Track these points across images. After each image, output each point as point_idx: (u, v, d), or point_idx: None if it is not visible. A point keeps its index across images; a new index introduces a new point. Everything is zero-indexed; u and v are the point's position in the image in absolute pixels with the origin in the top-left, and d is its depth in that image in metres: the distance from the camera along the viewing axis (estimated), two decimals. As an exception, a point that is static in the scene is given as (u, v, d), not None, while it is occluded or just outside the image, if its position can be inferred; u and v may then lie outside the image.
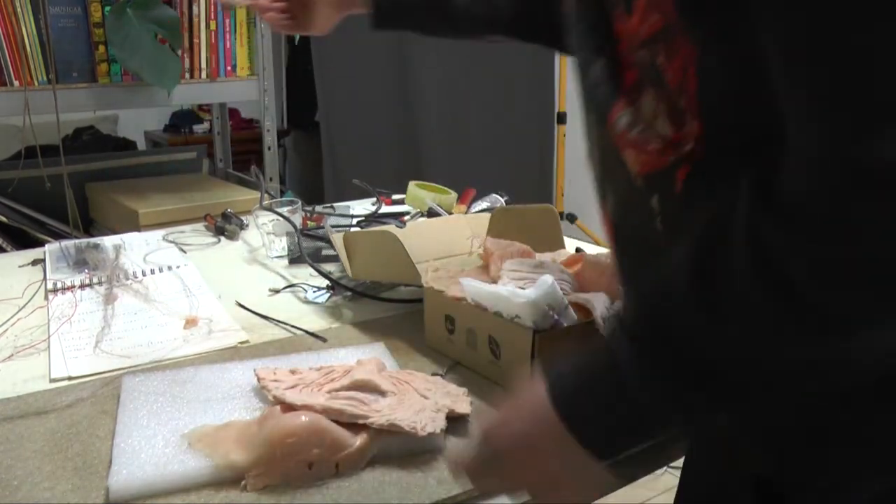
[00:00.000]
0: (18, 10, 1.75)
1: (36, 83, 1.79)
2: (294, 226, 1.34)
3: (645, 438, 0.55)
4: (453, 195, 1.63)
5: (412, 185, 1.66)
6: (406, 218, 1.55)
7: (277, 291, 1.22)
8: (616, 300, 0.89)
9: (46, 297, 1.18)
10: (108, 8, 1.85)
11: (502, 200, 1.59)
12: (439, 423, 0.75)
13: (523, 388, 0.58)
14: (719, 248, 0.47)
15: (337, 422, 0.73)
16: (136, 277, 1.25)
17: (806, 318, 0.45)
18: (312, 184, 3.43)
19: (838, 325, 0.45)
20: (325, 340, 1.02)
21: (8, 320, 1.09)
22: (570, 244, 1.33)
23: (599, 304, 0.87)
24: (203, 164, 2.36)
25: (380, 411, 0.75)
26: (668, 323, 0.50)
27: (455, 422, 0.79)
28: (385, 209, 1.70)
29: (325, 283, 1.20)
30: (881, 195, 0.39)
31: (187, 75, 2.02)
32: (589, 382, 0.54)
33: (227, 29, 2.06)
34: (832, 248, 0.42)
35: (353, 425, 0.73)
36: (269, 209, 1.38)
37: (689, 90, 0.51)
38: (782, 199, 0.43)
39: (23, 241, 1.84)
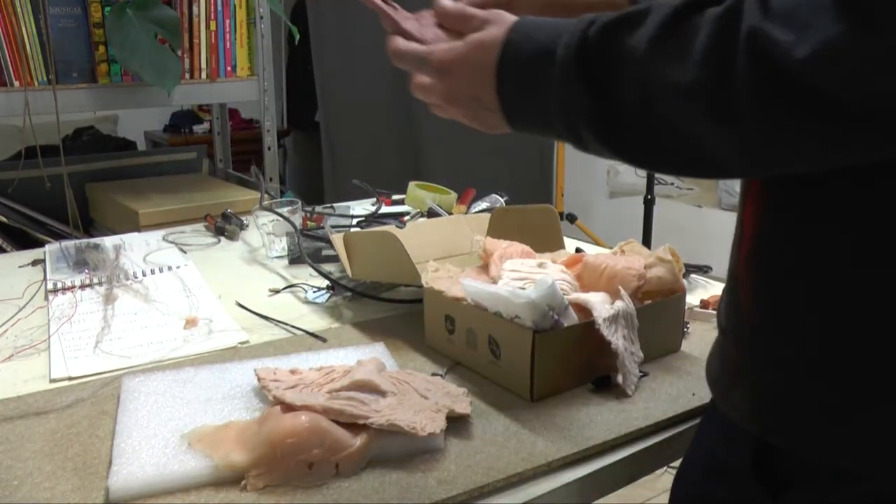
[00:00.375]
0: (19, 10, 1.75)
1: (36, 83, 1.79)
2: (294, 226, 1.34)
3: (548, 128, 0.59)
4: (453, 195, 1.63)
5: (412, 185, 1.66)
6: (406, 218, 1.55)
7: (277, 291, 1.22)
8: (616, 300, 0.89)
9: (46, 298, 1.18)
10: (108, 8, 1.85)
11: (502, 200, 1.59)
12: (439, 424, 0.75)
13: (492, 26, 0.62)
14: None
15: (337, 422, 0.73)
16: (136, 278, 1.25)
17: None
18: (312, 184, 3.43)
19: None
20: (325, 340, 1.02)
21: (8, 320, 1.09)
22: (570, 244, 1.33)
23: (599, 304, 0.87)
24: (203, 164, 2.36)
25: (380, 411, 0.75)
26: (622, 43, 0.52)
27: (455, 422, 0.79)
28: (385, 209, 1.70)
29: (325, 283, 1.20)
30: None
31: (187, 75, 2.02)
32: (532, 56, 0.58)
33: (227, 29, 2.06)
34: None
35: (353, 425, 0.73)
36: (269, 209, 1.38)
37: None
38: None
39: (23, 241, 1.84)
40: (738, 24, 0.46)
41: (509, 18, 0.62)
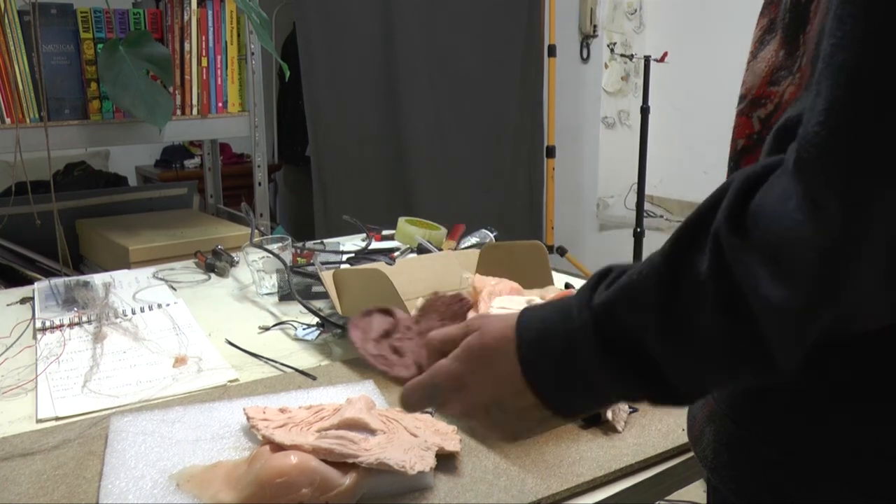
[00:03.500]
0: (12, 48, 1.76)
1: (28, 121, 1.80)
2: (284, 263, 1.35)
3: (600, 402, 0.58)
4: (443, 231, 1.64)
5: (402, 220, 1.67)
6: (395, 254, 1.56)
7: (267, 329, 1.22)
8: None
9: (35, 337, 1.18)
10: (100, 46, 1.86)
11: (491, 236, 1.60)
12: (429, 462, 0.75)
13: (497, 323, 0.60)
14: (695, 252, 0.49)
15: (326, 461, 0.73)
16: (125, 315, 1.25)
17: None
18: (303, 218, 3.44)
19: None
20: (314, 378, 1.02)
21: (-5, 360, 1.08)
22: (560, 279, 1.34)
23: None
24: (193, 199, 2.36)
25: (369, 450, 0.75)
26: (630, 314, 0.52)
27: (445, 459, 0.78)
28: (375, 245, 1.70)
29: (315, 320, 1.20)
30: None
31: (178, 112, 2.03)
32: (548, 335, 0.56)
33: (219, 65, 2.08)
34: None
35: (343, 464, 0.73)
36: (260, 246, 1.38)
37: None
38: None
39: (12, 278, 1.83)
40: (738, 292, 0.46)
41: (496, 316, 0.61)
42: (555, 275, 1.24)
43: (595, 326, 0.53)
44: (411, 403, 0.64)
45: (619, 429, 0.86)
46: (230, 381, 1.02)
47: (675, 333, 0.50)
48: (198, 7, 2.02)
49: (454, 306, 0.77)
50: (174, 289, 1.45)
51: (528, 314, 0.59)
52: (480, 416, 0.61)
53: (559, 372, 0.56)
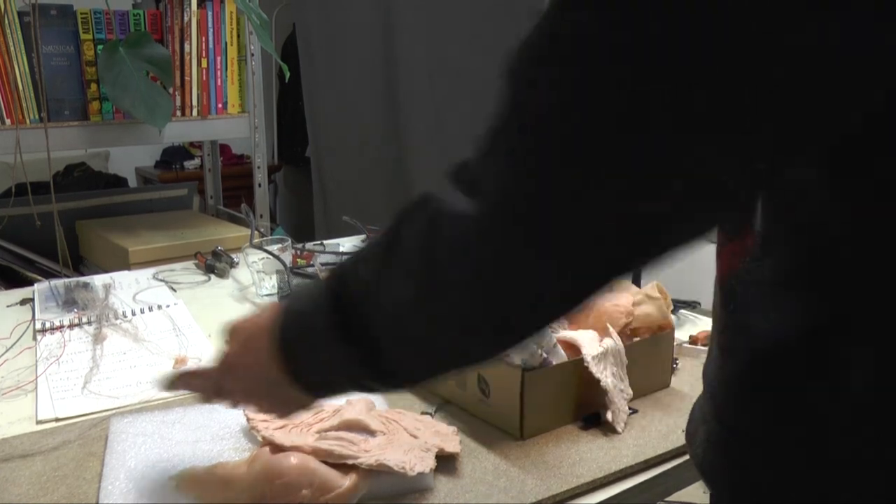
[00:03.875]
0: (12, 49, 1.76)
1: (28, 122, 1.80)
2: (284, 264, 1.35)
3: (337, 384, 0.59)
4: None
5: (402, 221, 1.66)
6: (396, 254, 1.56)
7: (267, 329, 1.22)
8: (605, 338, 0.90)
9: (35, 338, 1.18)
10: (100, 47, 1.86)
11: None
12: (428, 463, 0.75)
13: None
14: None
15: (326, 462, 0.73)
16: (125, 317, 1.25)
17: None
18: (303, 219, 3.44)
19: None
20: (314, 379, 1.01)
21: (-5, 361, 1.08)
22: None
23: (588, 341, 0.88)
24: (193, 200, 2.36)
25: (369, 451, 0.75)
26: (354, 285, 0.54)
27: (445, 461, 0.78)
28: (375, 245, 1.70)
29: (315, 320, 1.20)
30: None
31: (178, 113, 2.03)
32: (301, 317, 0.59)
33: (219, 67, 2.08)
34: None
35: (343, 465, 0.73)
36: (259, 247, 1.38)
37: None
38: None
39: (12, 279, 1.83)
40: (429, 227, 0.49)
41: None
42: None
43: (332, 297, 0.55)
44: (178, 384, 0.72)
45: (619, 430, 0.86)
46: (230, 383, 1.01)
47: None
48: (198, 8, 2.02)
49: None
50: (174, 290, 1.45)
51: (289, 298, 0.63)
52: (264, 395, 0.65)
53: (299, 345, 0.58)
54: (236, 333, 0.65)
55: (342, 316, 0.54)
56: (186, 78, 2.03)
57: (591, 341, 0.88)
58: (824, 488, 0.53)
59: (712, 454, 0.61)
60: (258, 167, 2.22)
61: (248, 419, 0.82)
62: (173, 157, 3.91)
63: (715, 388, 0.61)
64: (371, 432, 0.78)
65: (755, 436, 0.56)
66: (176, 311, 1.29)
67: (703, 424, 0.64)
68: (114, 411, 0.93)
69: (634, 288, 1.00)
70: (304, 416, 0.82)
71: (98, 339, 1.15)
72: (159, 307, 1.30)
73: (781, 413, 0.54)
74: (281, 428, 0.80)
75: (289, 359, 0.59)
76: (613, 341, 0.89)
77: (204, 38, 2.04)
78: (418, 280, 0.49)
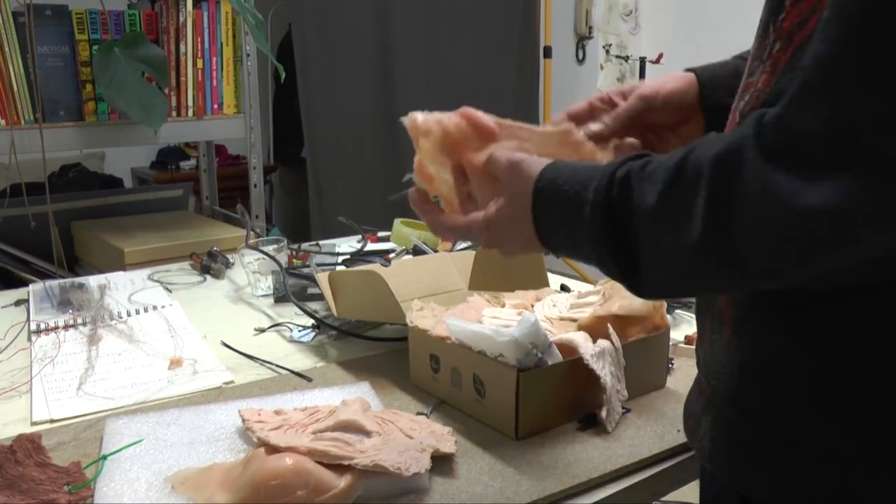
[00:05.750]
0: (6, 49, 1.76)
1: (23, 122, 1.80)
2: (279, 265, 1.35)
3: (584, 260, 0.62)
4: (439, 232, 1.63)
5: (398, 222, 1.67)
6: (391, 256, 1.56)
7: (263, 331, 1.22)
8: (599, 338, 0.90)
9: (29, 339, 1.17)
10: (95, 47, 1.86)
11: (487, 237, 1.59)
12: (424, 464, 0.75)
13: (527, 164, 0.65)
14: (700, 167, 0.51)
15: (322, 463, 0.73)
16: (120, 318, 1.25)
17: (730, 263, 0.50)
18: (299, 219, 3.44)
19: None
20: (310, 380, 1.02)
21: (-10, 362, 1.08)
22: (556, 279, 1.34)
23: (583, 342, 0.88)
24: (189, 201, 2.36)
25: (364, 452, 0.75)
26: (636, 200, 0.55)
27: (440, 461, 0.78)
28: (370, 247, 1.70)
29: (311, 321, 1.20)
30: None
31: (174, 113, 2.03)
32: (563, 196, 0.61)
33: (214, 67, 2.08)
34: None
35: (338, 466, 0.73)
36: (255, 248, 1.38)
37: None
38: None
39: (7, 280, 1.83)
40: (735, 179, 0.48)
41: (529, 170, 0.65)
42: (550, 276, 1.24)
43: (608, 189, 0.57)
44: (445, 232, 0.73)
45: (609, 430, 0.86)
46: (225, 384, 1.01)
47: (667, 211, 0.53)
48: (193, 8, 2.01)
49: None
50: (169, 291, 1.45)
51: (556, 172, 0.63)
52: (513, 243, 0.67)
53: (561, 214, 0.61)
54: (509, 180, 0.66)
55: (612, 226, 0.56)
56: (182, 78, 2.03)
57: (585, 341, 0.88)
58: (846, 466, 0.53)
59: (721, 442, 0.61)
60: (254, 168, 2.22)
61: (244, 420, 0.82)
62: (169, 157, 3.91)
63: (724, 373, 0.62)
64: (366, 433, 0.78)
65: (781, 422, 0.56)
66: (171, 312, 1.29)
67: (706, 415, 0.64)
68: (109, 412, 0.92)
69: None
70: (299, 417, 0.82)
71: (93, 340, 1.15)
72: (155, 308, 1.30)
73: (816, 399, 0.54)
74: (276, 429, 0.80)
75: (546, 238, 0.63)
76: (610, 342, 0.89)
77: (199, 39, 2.04)
78: (721, 247, 0.50)
